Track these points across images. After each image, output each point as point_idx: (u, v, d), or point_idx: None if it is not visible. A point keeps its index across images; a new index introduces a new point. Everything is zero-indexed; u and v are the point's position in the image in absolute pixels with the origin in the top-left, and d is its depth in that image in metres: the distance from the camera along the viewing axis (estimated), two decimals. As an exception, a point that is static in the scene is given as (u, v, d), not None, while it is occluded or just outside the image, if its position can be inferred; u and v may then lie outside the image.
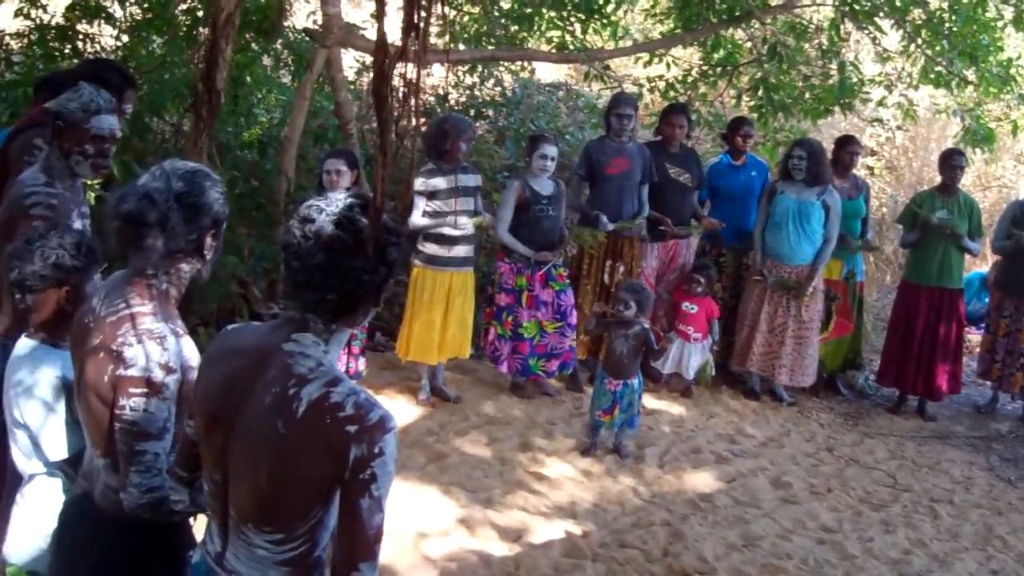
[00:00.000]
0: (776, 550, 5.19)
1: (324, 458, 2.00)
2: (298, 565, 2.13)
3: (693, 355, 7.53)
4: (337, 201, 2.12)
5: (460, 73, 10.71)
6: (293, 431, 2.01)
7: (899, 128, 12.99)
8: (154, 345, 2.40)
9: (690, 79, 9.97)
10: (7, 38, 8.55)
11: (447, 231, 6.60)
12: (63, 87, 4.26)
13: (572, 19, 9.24)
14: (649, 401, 7.23)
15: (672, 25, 10.13)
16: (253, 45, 8.62)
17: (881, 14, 8.96)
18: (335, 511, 2.10)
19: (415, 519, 5.03)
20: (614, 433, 6.34)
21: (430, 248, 6.62)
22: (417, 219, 6.55)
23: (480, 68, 10.74)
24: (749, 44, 9.55)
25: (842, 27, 9.23)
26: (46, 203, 3.31)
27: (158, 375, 2.39)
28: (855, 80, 9.10)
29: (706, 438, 6.76)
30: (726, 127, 8.41)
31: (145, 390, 2.38)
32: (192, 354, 2.52)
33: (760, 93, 8.97)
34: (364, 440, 1.99)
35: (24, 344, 2.96)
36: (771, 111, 8.98)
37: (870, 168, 13.09)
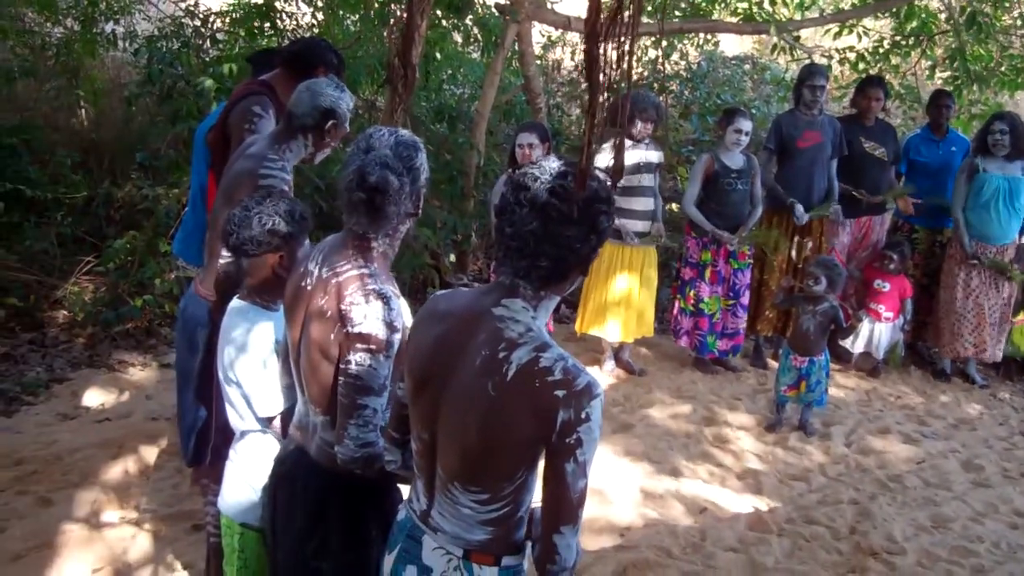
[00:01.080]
0: (967, 533, 5.09)
1: (531, 420, 2.05)
2: (501, 525, 2.20)
3: (883, 335, 7.39)
4: (551, 169, 2.16)
5: (644, 46, 10.69)
6: (502, 393, 2.07)
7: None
8: (380, 304, 2.50)
9: (882, 50, 9.72)
10: (213, 16, 8.95)
11: (628, 205, 6.65)
12: (271, 65, 4.48)
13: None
14: (836, 379, 7.16)
15: (864, -5, 9.88)
16: (443, 21, 8.80)
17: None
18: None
19: (600, 487, 5.12)
20: (800, 409, 6.31)
21: (617, 223, 6.66)
22: None
23: (664, 41, 10.69)
24: (944, 14, 9.25)
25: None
26: (279, 187, 3.46)
27: (384, 333, 2.49)
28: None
29: (895, 418, 6.65)
30: (927, 100, 8.16)
31: (371, 347, 2.48)
32: (407, 316, 2.64)
33: (956, 64, 8.69)
34: (571, 405, 2.04)
35: (238, 305, 3.11)
36: (967, 82, 8.69)
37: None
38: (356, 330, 2.48)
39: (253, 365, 2.99)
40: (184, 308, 3.89)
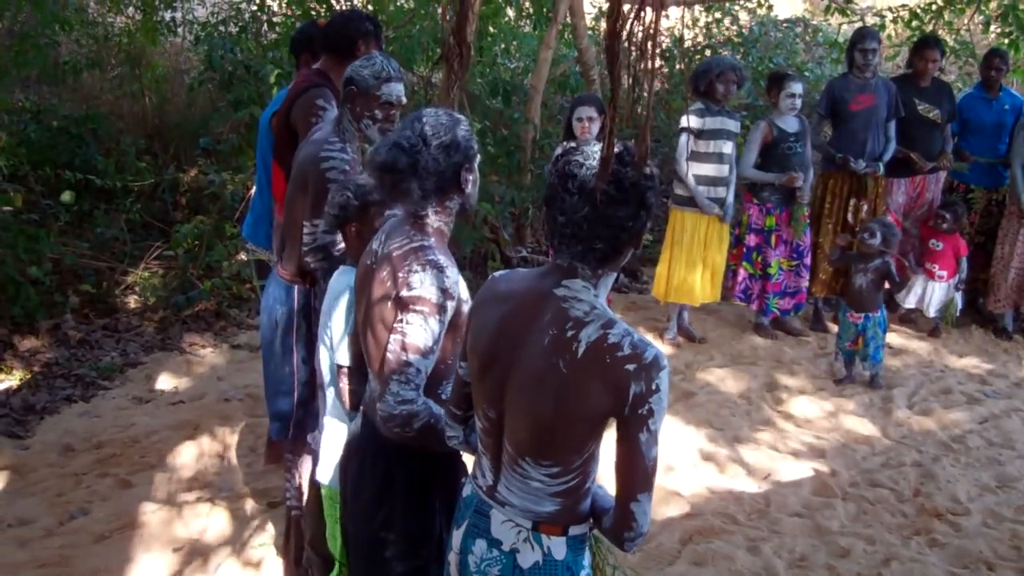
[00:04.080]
0: (1032, 492, 5.11)
1: (605, 395, 2.12)
2: (570, 496, 2.27)
3: (936, 293, 7.37)
4: (595, 153, 2.21)
5: (696, 11, 10.64)
6: (574, 370, 2.12)
7: None
8: (436, 272, 2.59)
9: (935, 7, 9.59)
10: (269, 1, 9.08)
11: (706, 172, 6.71)
12: (317, 43, 4.56)
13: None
14: (896, 340, 7.19)
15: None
16: (496, -3, 8.85)
17: None
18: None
19: (664, 455, 5.15)
20: (868, 365, 6.41)
21: (686, 190, 6.75)
22: (682, 159, 6.67)
23: (715, 7, 10.64)
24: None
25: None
26: (340, 167, 3.56)
27: (438, 297, 2.57)
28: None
29: (956, 378, 6.64)
30: (981, 60, 8.08)
31: (425, 309, 2.56)
32: (464, 290, 2.71)
33: (1010, 19, 8.57)
34: (642, 377, 2.10)
35: (341, 268, 3.24)
36: (1022, 38, 8.57)
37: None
38: (411, 294, 2.56)
39: (339, 315, 3.09)
40: (266, 289, 4.01)
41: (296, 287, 3.83)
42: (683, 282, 6.86)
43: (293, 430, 3.92)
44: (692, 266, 6.82)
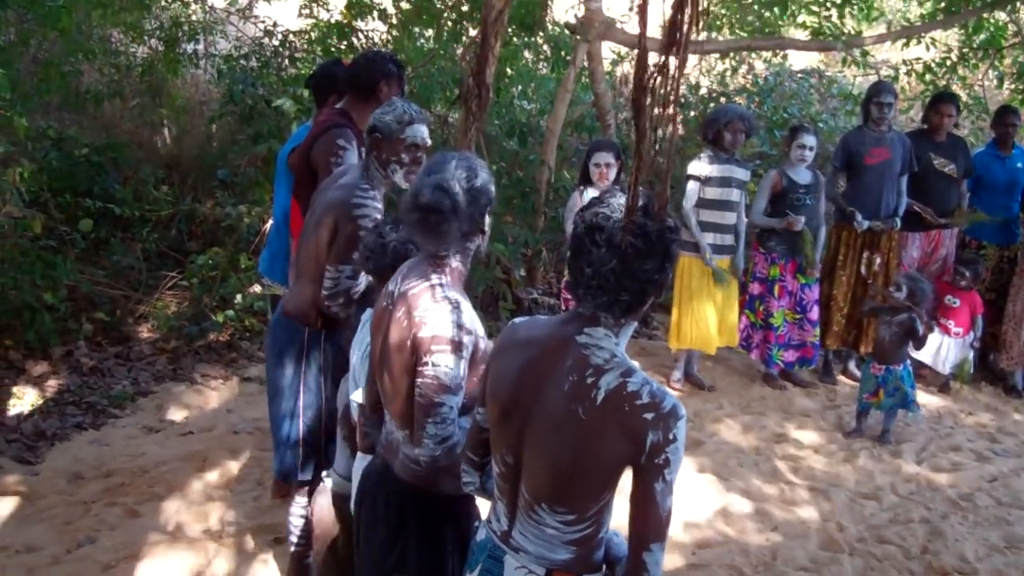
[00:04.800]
0: (1040, 553, 5.08)
1: (622, 443, 2.14)
2: (585, 545, 2.29)
3: (951, 350, 7.36)
4: (620, 206, 2.24)
5: (711, 60, 10.73)
6: (592, 417, 2.15)
7: None
8: (452, 309, 2.63)
9: (949, 62, 9.66)
10: (291, 36, 9.17)
11: (714, 219, 6.74)
12: (340, 83, 4.60)
13: (828, 3, 9.12)
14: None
15: (931, 8, 9.82)
16: (515, 39, 8.91)
17: None
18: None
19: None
20: (883, 417, 6.44)
21: (697, 236, 6.76)
22: (689, 206, 6.72)
23: (731, 56, 10.72)
24: (1013, 27, 9.17)
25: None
26: (372, 216, 3.58)
27: (457, 335, 2.61)
28: None
29: (966, 435, 6.63)
30: (992, 116, 8.12)
31: (446, 347, 2.60)
32: (480, 327, 2.73)
33: (1024, 77, 8.65)
34: (660, 427, 2.12)
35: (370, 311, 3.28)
36: (1035, 95, 8.65)
37: None
38: (429, 333, 2.59)
39: (364, 353, 3.13)
40: (274, 326, 4.01)
41: (307, 329, 3.81)
42: (695, 329, 6.88)
43: (299, 468, 3.92)
44: (703, 312, 6.84)
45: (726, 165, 6.74)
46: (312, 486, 3.86)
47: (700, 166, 6.70)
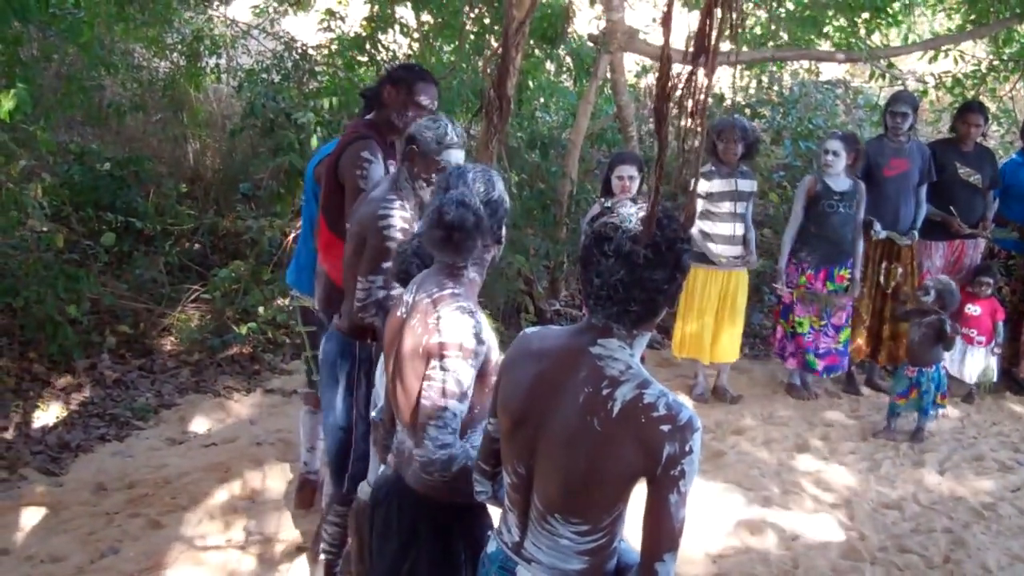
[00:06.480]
0: (1065, 564, 5.04)
1: (639, 454, 2.12)
2: (598, 555, 2.27)
3: (975, 358, 7.33)
4: (630, 216, 2.23)
5: (738, 72, 10.70)
6: (608, 429, 2.13)
7: None
8: (466, 317, 2.64)
9: (979, 74, 9.62)
10: (311, 51, 9.21)
11: (711, 229, 6.73)
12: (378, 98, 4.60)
13: (857, 19, 9.10)
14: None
15: (961, 21, 9.78)
16: (536, 51, 8.92)
17: None
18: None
19: (692, 513, 5.13)
20: (917, 416, 6.53)
21: (702, 246, 6.75)
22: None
23: (757, 68, 10.71)
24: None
25: None
26: (399, 226, 3.56)
27: (469, 342, 2.61)
28: None
29: (989, 445, 6.57)
30: (1022, 126, 8.07)
31: (457, 353, 2.60)
32: (492, 337, 2.74)
33: (1054, 88, 8.61)
34: (676, 439, 2.10)
35: None
36: (1064, 107, 8.60)
37: None
38: (442, 339, 2.60)
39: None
40: (325, 342, 3.99)
41: (357, 343, 3.81)
42: (693, 336, 6.90)
43: (348, 483, 3.90)
44: (702, 322, 6.84)
45: (728, 179, 6.71)
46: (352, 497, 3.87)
47: (700, 183, 6.66)
